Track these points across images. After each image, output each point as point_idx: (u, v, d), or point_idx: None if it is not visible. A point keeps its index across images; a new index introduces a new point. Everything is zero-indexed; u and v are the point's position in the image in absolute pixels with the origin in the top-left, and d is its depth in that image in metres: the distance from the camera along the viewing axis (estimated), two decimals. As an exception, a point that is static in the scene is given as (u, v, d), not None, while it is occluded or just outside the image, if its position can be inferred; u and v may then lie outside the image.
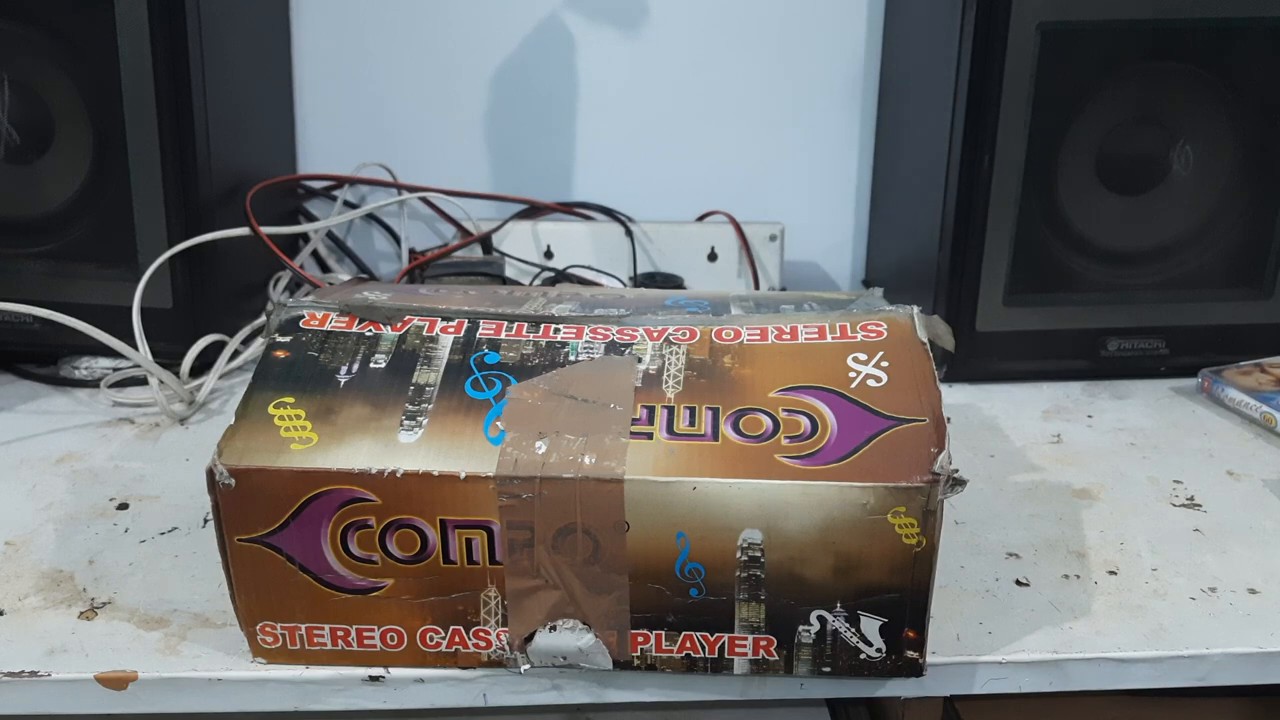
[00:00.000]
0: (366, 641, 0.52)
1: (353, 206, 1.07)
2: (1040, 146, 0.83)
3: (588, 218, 1.07)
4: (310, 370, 0.54)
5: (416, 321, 0.57)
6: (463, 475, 0.49)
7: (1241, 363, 0.87)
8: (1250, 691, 0.58)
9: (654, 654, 0.52)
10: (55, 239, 0.83)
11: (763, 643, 0.51)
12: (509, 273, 0.97)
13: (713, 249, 1.03)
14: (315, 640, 0.53)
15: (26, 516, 0.66)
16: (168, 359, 0.80)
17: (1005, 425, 0.81)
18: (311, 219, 1.04)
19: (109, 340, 0.77)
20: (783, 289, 1.03)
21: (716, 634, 0.51)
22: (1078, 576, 0.61)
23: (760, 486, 0.48)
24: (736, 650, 0.52)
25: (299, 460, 0.49)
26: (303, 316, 0.57)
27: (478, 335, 0.56)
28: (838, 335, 0.56)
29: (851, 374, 0.53)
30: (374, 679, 0.53)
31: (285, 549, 0.50)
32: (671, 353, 0.55)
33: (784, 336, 0.56)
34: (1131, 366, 0.88)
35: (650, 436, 0.50)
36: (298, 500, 0.49)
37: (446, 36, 1.07)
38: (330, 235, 1.07)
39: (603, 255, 1.02)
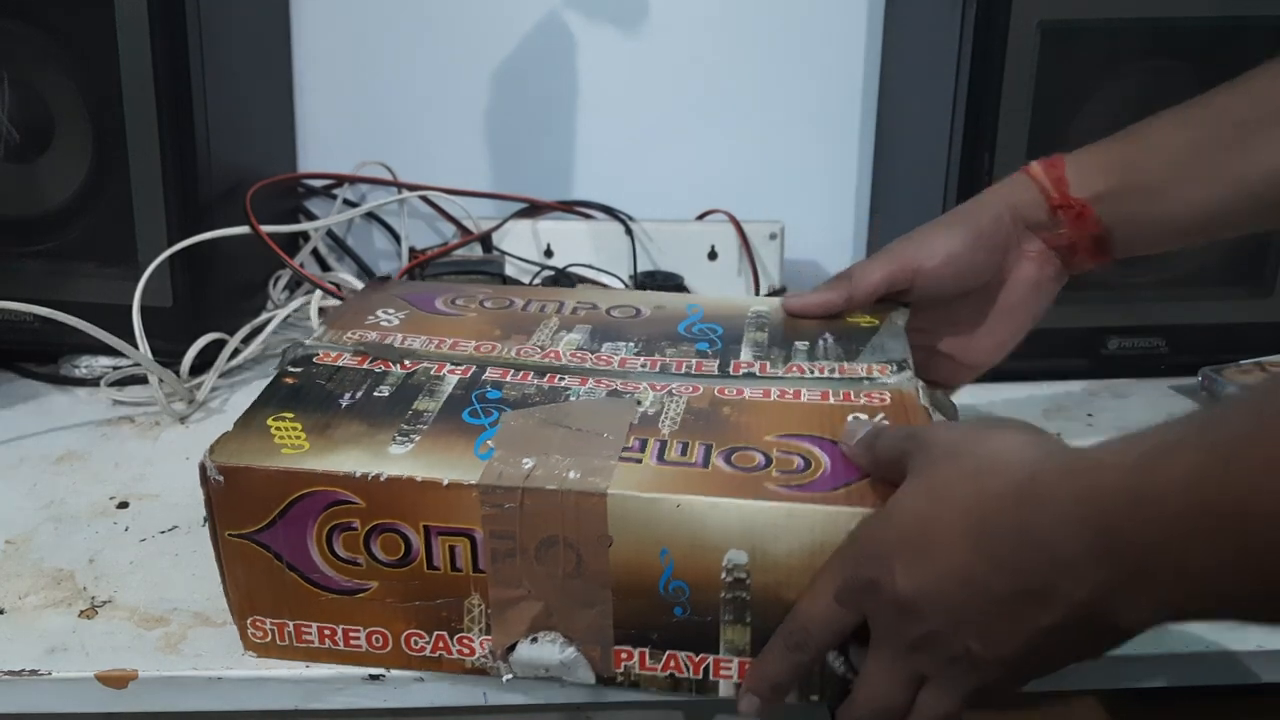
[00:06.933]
0: (353, 642, 0.52)
1: (353, 205, 1.07)
2: (1040, 146, 0.82)
3: (588, 216, 1.07)
4: (315, 395, 0.55)
5: (425, 364, 0.58)
6: (445, 482, 0.49)
7: (1242, 361, 0.86)
8: (1251, 691, 0.58)
9: (638, 671, 0.51)
10: (55, 238, 0.83)
11: (748, 667, 0.50)
12: (509, 271, 0.97)
13: (713, 248, 1.03)
14: (303, 637, 0.53)
15: (26, 515, 0.66)
16: (168, 357, 0.80)
17: (1005, 424, 0.80)
18: (311, 217, 1.04)
19: (109, 339, 0.77)
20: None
21: (701, 654, 0.50)
22: (1077, 575, 0.61)
23: (743, 506, 0.48)
24: (721, 673, 0.50)
25: (287, 462, 0.50)
26: (316, 354, 0.59)
27: (483, 377, 0.58)
28: (840, 400, 0.56)
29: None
30: (374, 678, 0.53)
31: (273, 546, 0.51)
32: (672, 401, 0.55)
33: (786, 397, 0.56)
34: (1132, 365, 0.88)
35: (639, 461, 0.50)
36: (284, 500, 0.50)
37: (446, 36, 1.07)
38: (330, 234, 1.07)
39: (603, 254, 1.02)
